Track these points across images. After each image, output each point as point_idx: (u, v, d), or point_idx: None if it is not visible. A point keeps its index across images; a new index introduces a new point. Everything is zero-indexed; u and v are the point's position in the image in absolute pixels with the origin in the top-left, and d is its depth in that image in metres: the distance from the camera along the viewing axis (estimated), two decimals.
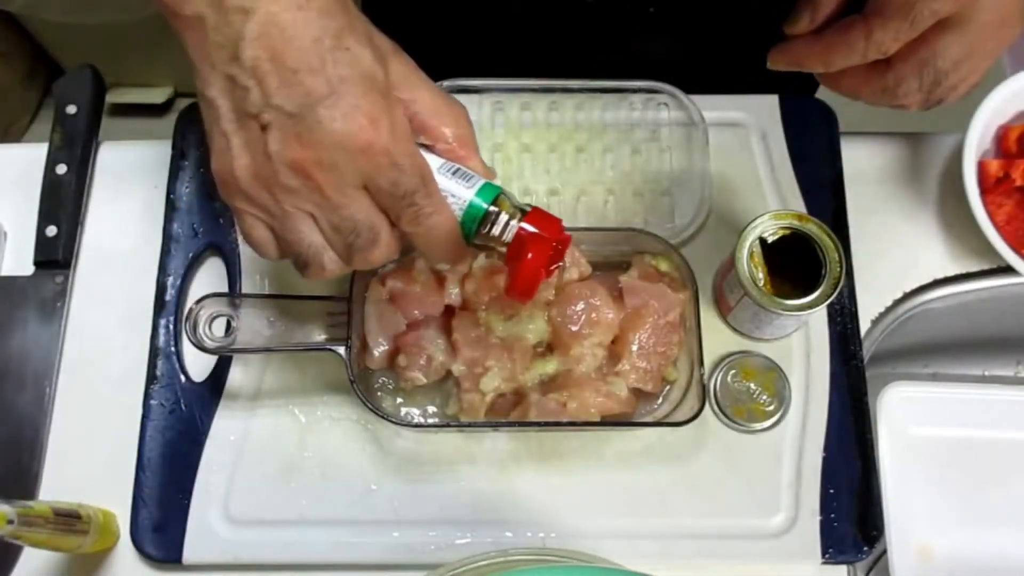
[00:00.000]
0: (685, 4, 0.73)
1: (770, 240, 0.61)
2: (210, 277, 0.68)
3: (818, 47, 0.52)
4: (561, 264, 0.55)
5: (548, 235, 0.50)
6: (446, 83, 0.70)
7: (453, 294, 0.61)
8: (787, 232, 0.61)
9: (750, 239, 0.61)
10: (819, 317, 0.66)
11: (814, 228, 0.61)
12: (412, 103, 0.48)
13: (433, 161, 0.49)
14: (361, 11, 0.46)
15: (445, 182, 0.49)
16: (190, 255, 0.67)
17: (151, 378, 0.64)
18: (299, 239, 0.47)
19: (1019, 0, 0.50)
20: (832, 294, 0.60)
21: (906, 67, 0.51)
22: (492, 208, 0.49)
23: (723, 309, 0.66)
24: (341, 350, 0.58)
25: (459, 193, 0.49)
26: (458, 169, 0.50)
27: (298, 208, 0.45)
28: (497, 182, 0.51)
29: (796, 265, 0.61)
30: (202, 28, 0.43)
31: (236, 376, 0.65)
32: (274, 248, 0.48)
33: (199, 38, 0.43)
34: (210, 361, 0.65)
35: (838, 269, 0.60)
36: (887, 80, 0.52)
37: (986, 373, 0.82)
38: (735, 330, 0.66)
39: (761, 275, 0.61)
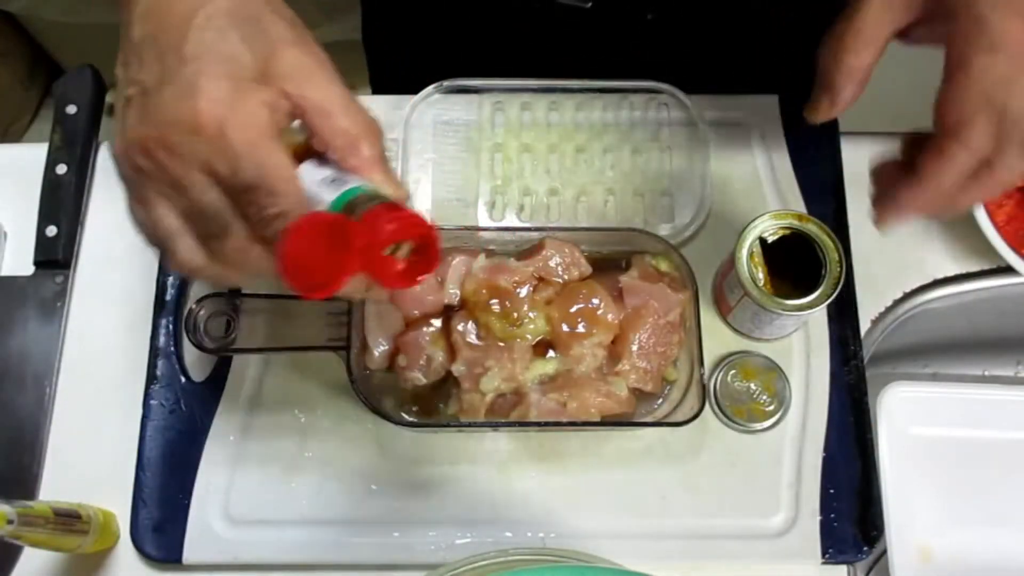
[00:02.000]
0: (684, 10, 0.73)
1: (770, 240, 0.61)
2: None
3: (937, 197, 0.49)
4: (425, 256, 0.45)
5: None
6: (446, 83, 0.70)
7: (452, 293, 0.61)
8: (787, 232, 0.61)
9: (750, 239, 0.61)
10: (819, 317, 0.66)
11: (814, 228, 0.61)
12: (299, 99, 0.44)
13: (313, 172, 0.44)
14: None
15: (315, 189, 0.44)
16: None
17: (151, 378, 0.64)
18: (155, 222, 0.44)
19: None
20: (832, 294, 0.60)
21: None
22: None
23: (723, 309, 0.66)
24: (341, 350, 0.58)
25: (325, 199, 0.43)
26: (336, 179, 0.44)
27: (153, 190, 0.43)
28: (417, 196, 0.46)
29: (796, 265, 0.61)
30: (122, 7, 0.44)
31: (236, 376, 0.65)
32: (145, 232, 0.45)
33: (123, 17, 0.44)
34: (210, 361, 0.65)
35: (838, 269, 0.60)
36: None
37: (986, 373, 0.82)
38: (735, 330, 0.66)
39: (761, 275, 0.61)
